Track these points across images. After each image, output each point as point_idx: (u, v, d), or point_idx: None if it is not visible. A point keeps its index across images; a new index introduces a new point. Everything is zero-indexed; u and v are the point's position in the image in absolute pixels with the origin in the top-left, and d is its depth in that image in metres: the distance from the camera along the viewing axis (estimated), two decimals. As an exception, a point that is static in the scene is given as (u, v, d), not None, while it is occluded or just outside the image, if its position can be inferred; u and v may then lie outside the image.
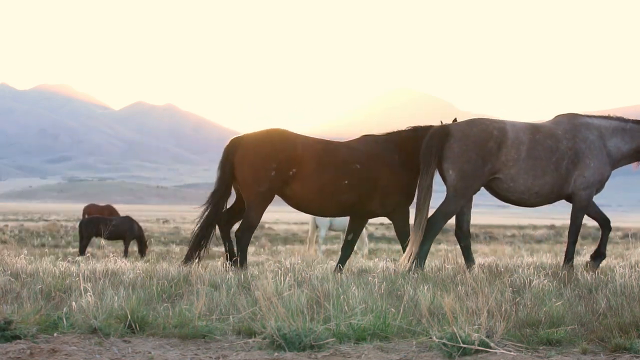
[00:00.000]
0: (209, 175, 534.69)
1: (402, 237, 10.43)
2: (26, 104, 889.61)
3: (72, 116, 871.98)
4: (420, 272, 9.17)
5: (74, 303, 6.84)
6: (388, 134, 10.65)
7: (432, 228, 9.91)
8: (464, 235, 10.33)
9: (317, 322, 6.06)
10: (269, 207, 10.43)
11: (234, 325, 6.38)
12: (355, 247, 22.69)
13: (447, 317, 5.71)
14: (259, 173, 9.92)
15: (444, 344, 5.45)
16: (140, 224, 21.82)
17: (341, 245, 10.93)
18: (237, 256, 10.14)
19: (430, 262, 11.14)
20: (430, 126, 10.45)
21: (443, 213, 9.96)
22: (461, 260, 10.39)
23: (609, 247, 24.41)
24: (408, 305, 6.75)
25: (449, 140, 9.76)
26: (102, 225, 19.87)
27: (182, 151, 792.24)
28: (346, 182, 10.05)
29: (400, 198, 10.39)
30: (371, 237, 23.81)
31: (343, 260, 10.69)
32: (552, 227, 49.66)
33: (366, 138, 10.66)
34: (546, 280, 8.05)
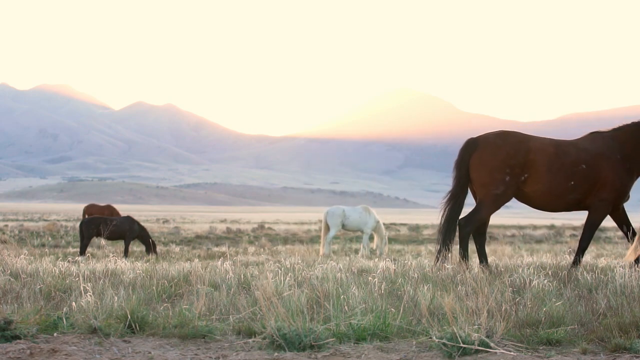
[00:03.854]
0: (209, 175, 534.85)
1: (589, 230, 10.64)
2: (26, 104, 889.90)
3: (72, 116, 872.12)
4: None
5: (74, 303, 6.85)
6: (614, 130, 10.90)
7: None
8: None
9: (317, 322, 6.06)
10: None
11: (234, 325, 6.38)
12: (374, 246, 22.69)
13: (447, 317, 5.71)
14: (495, 176, 10.23)
15: (444, 344, 5.45)
16: (141, 224, 21.74)
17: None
18: (461, 247, 10.44)
19: (430, 262, 11.15)
20: None
21: None
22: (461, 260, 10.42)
23: (608, 247, 24.44)
24: (408, 305, 6.75)
25: None
26: (102, 225, 19.83)
27: (182, 151, 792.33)
28: (572, 183, 10.36)
29: (609, 194, 10.53)
30: (371, 237, 23.68)
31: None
32: (552, 227, 49.64)
33: (594, 136, 10.88)
34: (546, 280, 8.05)
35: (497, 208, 10.51)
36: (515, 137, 10.40)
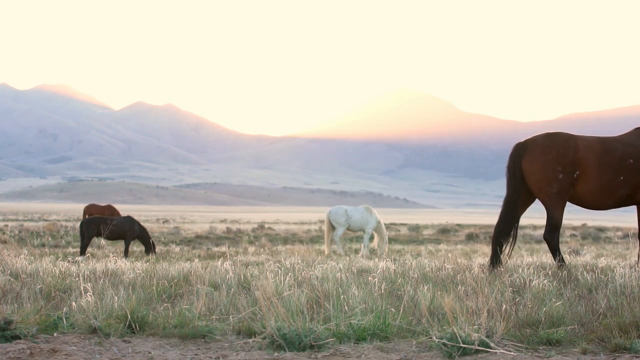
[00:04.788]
0: (209, 175, 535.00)
1: None
2: (26, 104, 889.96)
3: (72, 116, 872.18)
4: None
5: (74, 303, 6.85)
6: None
7: None
8: None
9: (317, 322, 6.06)
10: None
11: (234, 325, 6.38)
12: (375, 245, 22.67)
13: (447, 317, 5.71)
14: (548, 175, 10.38)
15: (444, 344, 5.45)
16: (141, 224, 21.74)
17: None
18: (556, 257, 10.54)
19: (430, 262, 11.16)
20: None
21: None
22: (461, 260, 10.42)
23: (608, 247, 24.42)
24: (408, 305, 6.76)
25: None
26: (102, 225, 19.83)
27: (182, 151, 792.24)
28: (622, 178, 10.48)
29: None
30: (371, 237, 23.67)
31: None
32: (552, 227, 49.57)
33: (639, 131, 10.96)
34: (546, 280, 8.05)
35: (563, 205, 10.55)
36: (562, 137, 10.56)
